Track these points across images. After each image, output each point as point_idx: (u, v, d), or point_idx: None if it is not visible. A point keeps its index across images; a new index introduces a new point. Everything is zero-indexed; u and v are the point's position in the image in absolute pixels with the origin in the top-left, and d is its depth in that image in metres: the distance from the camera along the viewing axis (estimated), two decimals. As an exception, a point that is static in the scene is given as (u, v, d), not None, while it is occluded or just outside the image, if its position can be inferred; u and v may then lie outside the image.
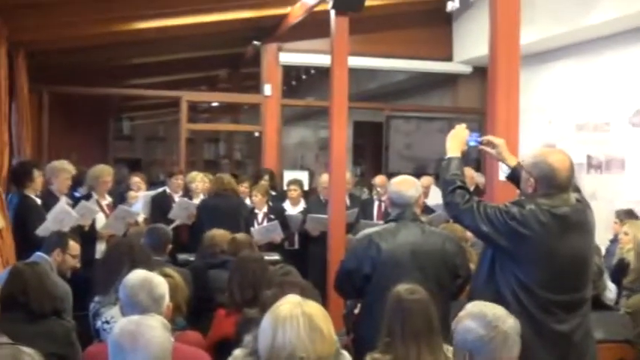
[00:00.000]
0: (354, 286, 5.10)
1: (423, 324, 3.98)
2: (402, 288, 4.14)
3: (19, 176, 7.93)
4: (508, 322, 3.39)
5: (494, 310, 3.45)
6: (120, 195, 9.82)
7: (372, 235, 5.06)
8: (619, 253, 7.47)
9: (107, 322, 5.08)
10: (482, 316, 3.40)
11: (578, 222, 4.19)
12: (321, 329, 2.86)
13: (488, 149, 4.75)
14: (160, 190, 10.01)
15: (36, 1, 8.27)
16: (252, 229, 9.30)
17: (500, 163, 5.08)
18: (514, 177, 4.55)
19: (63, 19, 9.11)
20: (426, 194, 10.63)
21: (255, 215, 9.86)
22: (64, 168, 8.37)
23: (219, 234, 7.33)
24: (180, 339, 3.97)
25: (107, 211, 8.72)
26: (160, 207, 9.51)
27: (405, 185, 5.12)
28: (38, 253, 6.34)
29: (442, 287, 4.94)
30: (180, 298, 4.92)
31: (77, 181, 9.48)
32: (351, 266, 5.06)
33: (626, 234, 7.57)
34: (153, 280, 4.06)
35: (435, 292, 4.48)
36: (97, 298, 5.48)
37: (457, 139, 4.64)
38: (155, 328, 3.19)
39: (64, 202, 8.03)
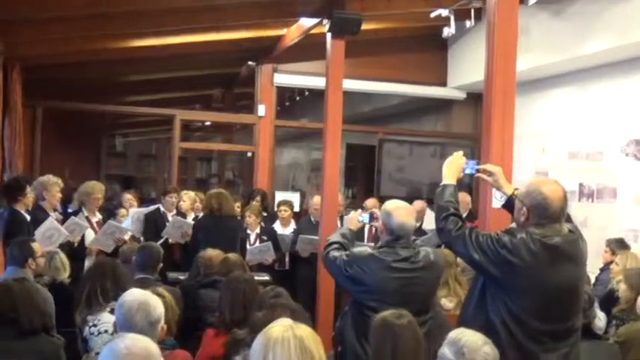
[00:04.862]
0: (349, 290, 5.15)
1: (414, 346, 3.99)
2: (387, 313, 4.15)
3: (12, 191, 7.90)
4: (482, 350, 3.43)
5: (471, 337, 3.49)
6: (110, 212, 9.81)
7: (380, 252, 5.06)
8: (613, 283, 7.49)
9: (94, 325, 5.10)
10: (455, 342, 3.48)
11: (570, 252, 4.19)
12: (312, 352, 2.85)
13: (485, 177, 4.74)
14: (154, 207, 9.94)
15: (32, 16, 8.28)
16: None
17: (494, 190, 5.09)
18: (510, 205, 4.54)
19: (58, 34, 9.14)
20: (419, 218, 10.65)
21: (247, 236, 9.83)
22: (55, 181, 8.39)
23: (215, 254, 7.31)
24: (169, 358, 3.94)
25: (97, 228, 8.73)
26: (154, 225, 9.46)
27: (407, 215, 5.07)
28: (11, 268, 6.32)
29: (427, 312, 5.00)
30: (171, 317, 4.90)
31: (67, 198, 9.48)
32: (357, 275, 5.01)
33: (616, 264, 7.61)
34: (150, 303, 3.99)
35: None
36: (85, 309, 5.49)
37: (453, 167, 4.64)
38: None
39: (53, 219, 8.01)
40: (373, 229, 10.11)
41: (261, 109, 12.54)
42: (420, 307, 4.51)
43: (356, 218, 5.81)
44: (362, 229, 10.55)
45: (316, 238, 9.34)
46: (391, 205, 5.18)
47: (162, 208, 9.76)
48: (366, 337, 4.81)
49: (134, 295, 4.07)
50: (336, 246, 5.27)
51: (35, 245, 6.62)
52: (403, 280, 4.91)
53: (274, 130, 12.90)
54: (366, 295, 4.96)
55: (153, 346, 3.22)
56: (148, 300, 4.03)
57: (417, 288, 4.96)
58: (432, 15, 9.85)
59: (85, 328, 5.33)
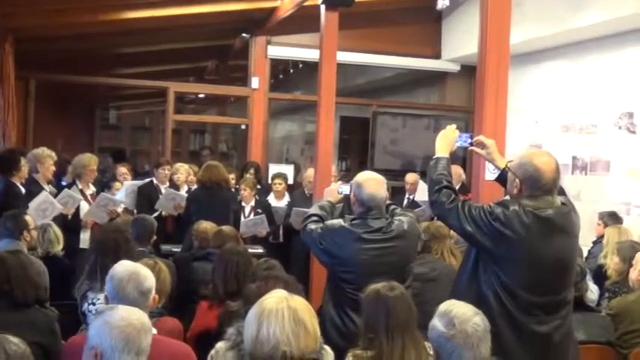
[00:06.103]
0: (325, 262, 5.17)
1: (407, 318, 4.01)
2: (379, 285, 4.16)
3: (7, 163, 7.86)
4: (472, 320, 3.44)
5: (461, 309, 3.50)
6: (104, 184, 9.80)
7: (351, 224, 5.10)
8: (600, 259, 7.54)
9: (93, 304, 5.11)
10: (446, 314, 3.49)
11: (562, 225, 4.20)
12: (305, 324, 2.87)
13: (478, 150, 4.75)
14: (147, 180, 9.94)
15: (25, -13, 8.26)
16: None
17: (487, 163, 5.09)
18: (503, 178, 4.54)
19: (52, 6, 9.10)
20: (412, 190, 10.69)
21: (242, 208, 9.85)
22: (49, 154, 8.34)
23: (210, 227, 7.31)
24: (157, 326, 3.94)
25: (91, 201, 8.71)
26: (147, 197, 9.45)
27: (378, 187, 5.10)
28: (6, 240, 6.33)
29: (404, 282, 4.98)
30: (162, 287, 4.90)
31: (60, 171, 9.46)
32: (332, 251, 5.06)
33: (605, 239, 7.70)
34: (140, 274, 4.02)
35: None
36: (87, 281, 5.48)
37: (446, 140, 4.65)
38: None
39: (47, 192, 7.99)
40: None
41: (255, 82, 12.51)
42: (395, 277, 4.51)
43: (336, 190, 5.78)
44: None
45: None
46: (362, 176, 5.25)
47: (155, 181, 9.76)
48: (343, 309, 4.88)
49: (124, 266, 4.09)
50: (314, 218, 5.30)
51: (28, 218, 6.63)
52: (376, 250, 4.96)
53: (268, 102, 12.88)
54: (340, 267, 5.01)
55: (145, 317, 3.24)
56: (138, 270, 4.05)
57: (391, 258, 4.99)
58: (426, -13, 9.82)
59: (84, 303, 5.32)
